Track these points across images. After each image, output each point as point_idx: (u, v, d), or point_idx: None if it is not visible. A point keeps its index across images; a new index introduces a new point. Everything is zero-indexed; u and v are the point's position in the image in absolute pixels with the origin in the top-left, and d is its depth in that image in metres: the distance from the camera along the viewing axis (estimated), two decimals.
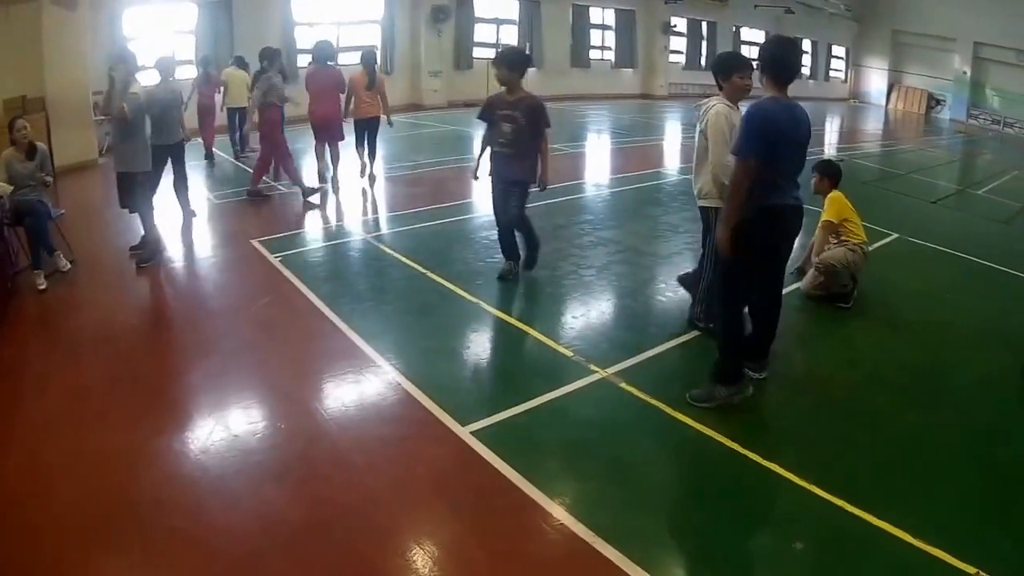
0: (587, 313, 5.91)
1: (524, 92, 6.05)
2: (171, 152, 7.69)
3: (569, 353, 5.05)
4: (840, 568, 3.30)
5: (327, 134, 9.57)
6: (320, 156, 9.93)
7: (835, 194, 6.43)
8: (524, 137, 5.94)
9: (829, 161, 6.77)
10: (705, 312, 5.43)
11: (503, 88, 6.08)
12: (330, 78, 9.26)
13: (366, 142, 9.97)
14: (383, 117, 9.90)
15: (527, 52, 6.10)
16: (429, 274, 6.46)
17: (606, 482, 3.73)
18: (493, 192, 6.33)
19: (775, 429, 4.38)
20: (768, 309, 4.54)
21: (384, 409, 4.31)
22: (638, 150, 14.84)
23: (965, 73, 29.48)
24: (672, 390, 4.58)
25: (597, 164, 13.89)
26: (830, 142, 18.96)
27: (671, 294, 6.39)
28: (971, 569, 3.22)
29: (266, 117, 9.01)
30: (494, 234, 7.98)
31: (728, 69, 4.97)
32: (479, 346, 5.34)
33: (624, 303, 6.25)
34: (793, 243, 4.47)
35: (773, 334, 4.61)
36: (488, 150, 6.29)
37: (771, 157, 4.05)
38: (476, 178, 6.53)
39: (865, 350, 5.36)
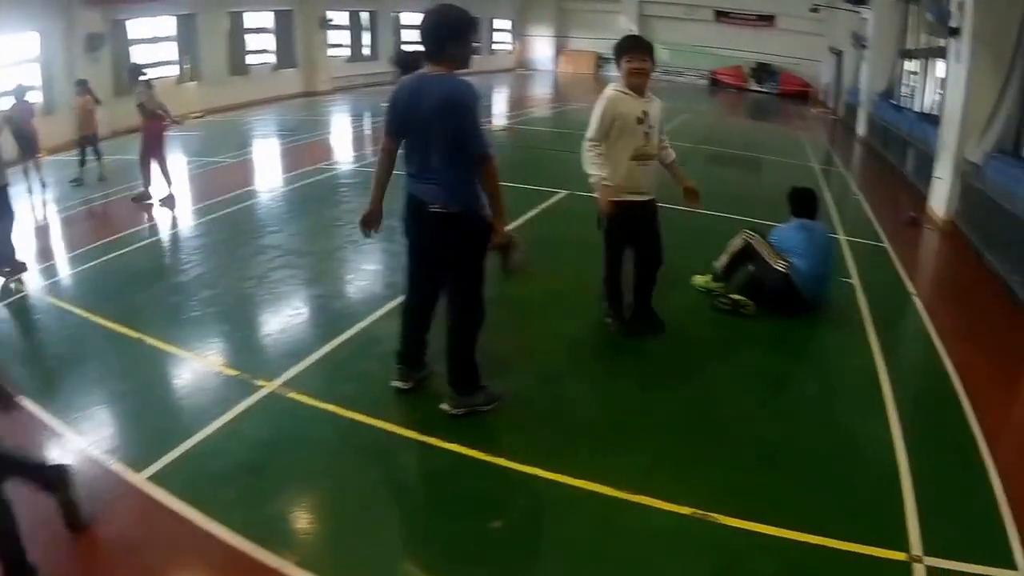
0: (249, 327, 5.81)
1: None
2: None
3: (234, 372, 4.92)
4: (541, 533, 3.37)
5: (29, 152, 11.87)
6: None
7: None
8: None
9: None
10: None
11: None
12: (28, 109, 12.14)
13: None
14: None
15: None
16: (93, 318, 5.91)
17: (291, 500, 3.71)
18: None
19: None
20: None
21: None
22: (301, 148, 14.55)
23: (632, 31, 32.73)
24: (342, 389, 4.57)
25: (257, 170, 13.35)
26: (498, 112, 20.62)
27: (332, 292, 6.45)
28: (686, 510, 3.42)
29: None
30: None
31: (617, 55, 5.11)
32: (142, 384, 4.95)
33: (285, 309, 6.06)
34: (444, 248, 4.04)
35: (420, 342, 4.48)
36: None
37: (402, 136, 4.01)
38: None
39: (535, 309, 5.53)
